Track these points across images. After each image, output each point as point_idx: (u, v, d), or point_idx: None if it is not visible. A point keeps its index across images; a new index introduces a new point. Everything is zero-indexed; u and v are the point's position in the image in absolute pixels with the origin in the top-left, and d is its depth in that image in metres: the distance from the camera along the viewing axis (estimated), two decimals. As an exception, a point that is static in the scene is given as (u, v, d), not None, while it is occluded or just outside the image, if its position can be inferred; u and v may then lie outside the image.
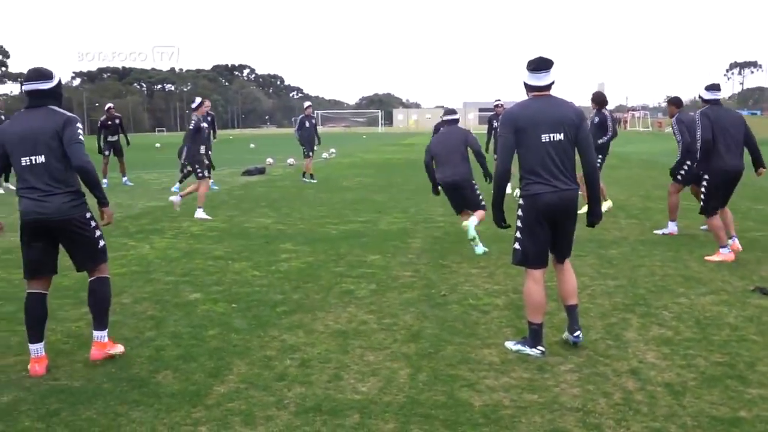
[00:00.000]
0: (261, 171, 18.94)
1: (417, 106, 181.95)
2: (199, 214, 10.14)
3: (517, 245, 4.28)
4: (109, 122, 15.71)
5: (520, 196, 4.27)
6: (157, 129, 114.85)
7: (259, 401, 3.56)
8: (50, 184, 3.96)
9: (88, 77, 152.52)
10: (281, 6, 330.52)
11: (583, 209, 9.26)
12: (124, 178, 15.95)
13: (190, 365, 4.06)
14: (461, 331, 4.70)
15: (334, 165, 21.41)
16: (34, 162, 3.95)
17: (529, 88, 4.25)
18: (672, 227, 8.38)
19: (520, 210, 4.24)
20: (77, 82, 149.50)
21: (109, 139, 15.68)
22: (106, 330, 4.21)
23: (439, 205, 10.34)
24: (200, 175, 10.28)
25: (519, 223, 4.25)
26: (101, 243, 4.22)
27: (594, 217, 4.39)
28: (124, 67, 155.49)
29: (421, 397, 3.61)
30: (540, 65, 4.19)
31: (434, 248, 7.69)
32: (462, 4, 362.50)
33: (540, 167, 4.12)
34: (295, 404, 3.53)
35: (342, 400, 3.58)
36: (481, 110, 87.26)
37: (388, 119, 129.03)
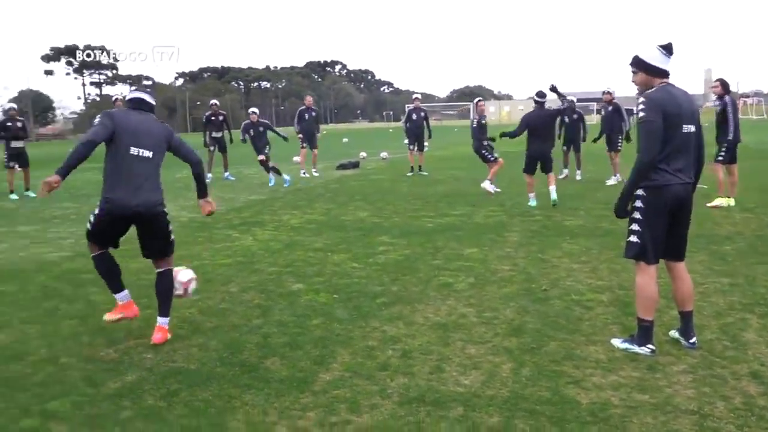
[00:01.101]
0: (355, 165, 19.22)
1: (509, 97, 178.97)
2: (486, 185, 11.53)
3: (634, 238, 4.05)
4: (213, 117, 16.35)
5: (641, 186, 3.97)
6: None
7: (363, 390, 3.63)
8: (148, 178, 4.36)
9: (190, 77, 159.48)
10: (371, 1, 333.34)
11: (716, 202, 8.98)
12: (226, 173, 16.57)
13: (296, 353, 4.19)
14: (564, 327, 4.60)
15: (426, 158, 21.37)
16: (141, 154, 4.33)
17: (659, 72, 4.04)
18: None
19: (640, 201, 4.00)
20: (180, 81, 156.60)
21: (214, 135, 16.31)
22: (168, 317, 4.56)
23: (536, 199, 10.15)
24: (491, 158, 11.95)
25: (639, 215, 4.01)
26: (172, 237, 4.65)
27: None
28: (222, 66, 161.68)
29: (525, 392, 3.57)
30: (671, 49, 4.03)
31: (532, 242, 7.56)
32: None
33: (674, 158, 3.95)
34: (399, 394, 3.57)
35: (445, 392, 3.59)
36: (578, 100, 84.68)
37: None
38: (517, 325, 4.66)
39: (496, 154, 12.05)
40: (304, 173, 16.90)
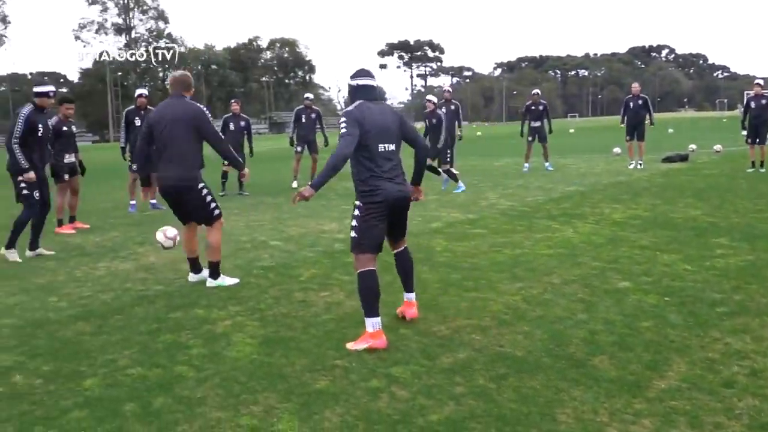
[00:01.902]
0: (683, 158, 17.67)
1: None
2: None
3: None
4: (533, 107, 16.44)
5: None
6: (569, 114, 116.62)
7: (704, 405, 3.31)
8: (399, 170, 4.52)
9: (508, 67, 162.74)
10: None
11: None
12: (546, 163, 16.55)
13: (626, 354, 3.99)
14: None
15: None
16: (387, 149, 4.45)
17: None
18: None
19: None
20: (498, 72, 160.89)
21: (533, 124, 16.41)
22: (414, 292, 4.83)
23: None
24: None
25: None
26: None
27: None
28: (540, 56, 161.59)
29: None
30: None
31: None
32: None
33: None
34: (749, 416, 3.18)
35: (809, 424, 3.10)
36: None
37: None
38: None
39: None
40: (631, 165, 16.08)
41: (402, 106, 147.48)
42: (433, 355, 4.07)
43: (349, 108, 4.48)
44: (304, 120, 14.36)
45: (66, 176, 9.55)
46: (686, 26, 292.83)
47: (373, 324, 4.27)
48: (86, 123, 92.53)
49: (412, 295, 4.80)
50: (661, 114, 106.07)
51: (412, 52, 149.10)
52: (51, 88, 7.70)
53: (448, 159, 12.87)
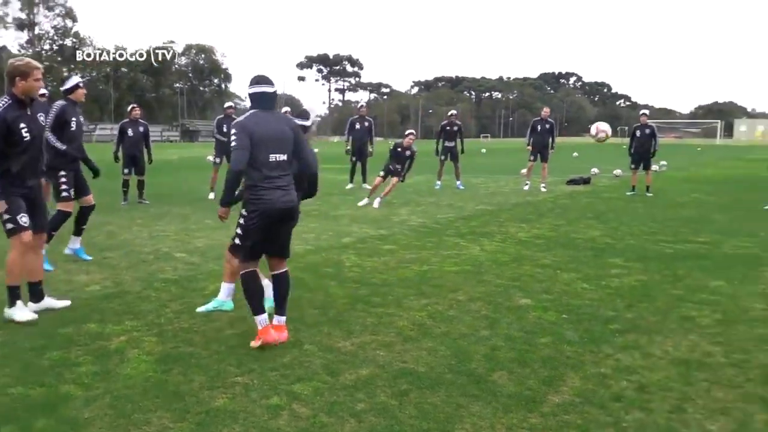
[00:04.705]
0: (586, 181, 18.50)
1: (766, 116, 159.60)
2: None
3: None
4: (448, 127, 16.79)
5: None
6: (482, 135, 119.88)
7: (595, 419, 3.45)
8: (289, 180, 4.51)
9: (425, 86, 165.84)
10: (610, 11, 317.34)
11: None
12: (458, 182, 16.89)
13: (524, 370, 4.11)
14: (838, 384, 3.96)
15: (665, 179, 19.92)
16: (278, 159, 4.43)
17: None
18: None
19: None
20: (415, 90, 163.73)
21: (446, 144, 16.74)
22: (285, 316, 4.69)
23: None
24: None
25: None
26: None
27: None
28: (456, 76, 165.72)
29: (788, 452, 3.13)
30: None
31: (795, 281, 6.63)
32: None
33: None
34: (634, 429, 3.35)
35: (688, 435, 3.28)
36: None
37: (728, 130, 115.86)
38: (776, 374, 4.11)
39: None
40: (526, 186, 16.58)
41: (319, 119, 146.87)
42: (336, 372, 4.05)
43: (241, 118, 4.47)
44: (225, 129, 13.80)
45: None
46: (592, 56, 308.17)
47: (260, 321, 4.49)
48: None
49: (284, 319, 4.66)
50: (567, 138, 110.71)
51: (331, 66, 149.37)
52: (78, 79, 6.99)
53: None
